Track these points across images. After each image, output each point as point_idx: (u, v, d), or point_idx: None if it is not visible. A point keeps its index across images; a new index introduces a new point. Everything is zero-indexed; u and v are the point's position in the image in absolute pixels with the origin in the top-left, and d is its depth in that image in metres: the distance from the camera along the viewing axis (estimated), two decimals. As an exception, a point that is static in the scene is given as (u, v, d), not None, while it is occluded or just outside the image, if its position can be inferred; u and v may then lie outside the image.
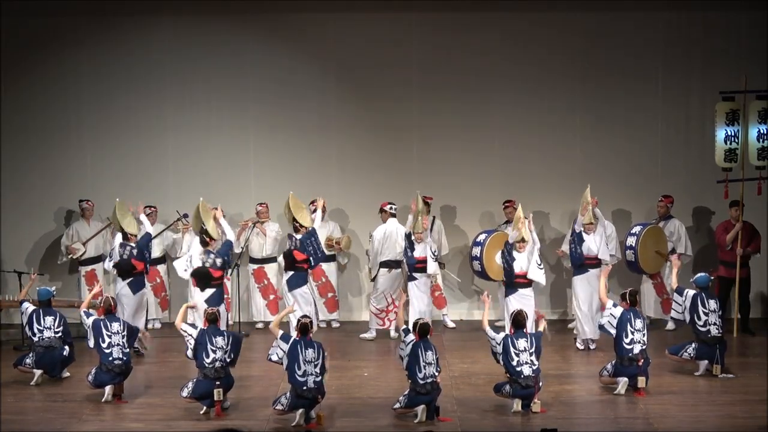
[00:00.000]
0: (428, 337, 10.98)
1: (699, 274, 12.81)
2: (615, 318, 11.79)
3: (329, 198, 15.26)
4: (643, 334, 11.74)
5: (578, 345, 13.71)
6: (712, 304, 12.50)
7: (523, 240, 13.12)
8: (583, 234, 13.63)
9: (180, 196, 15.25)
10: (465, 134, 15.61)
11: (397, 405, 10.92)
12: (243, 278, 15.10)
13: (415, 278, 14.10)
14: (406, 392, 10.87)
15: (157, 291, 15.13)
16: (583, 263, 13.62)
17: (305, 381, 10.65)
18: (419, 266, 14.07)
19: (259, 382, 12.31)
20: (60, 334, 12.44)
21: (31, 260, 15.37)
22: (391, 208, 14.64)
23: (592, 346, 13.53)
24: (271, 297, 15.16)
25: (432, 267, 14.10)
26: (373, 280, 14.72)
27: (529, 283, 13.10)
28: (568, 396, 11.78)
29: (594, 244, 13.59)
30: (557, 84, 15.55)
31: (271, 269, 15.22)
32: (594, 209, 13.65)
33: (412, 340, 10.90)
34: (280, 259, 14.35)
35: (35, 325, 12.39)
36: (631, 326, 11.72)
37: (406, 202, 14.39)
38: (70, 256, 15.02)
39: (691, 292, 12.55)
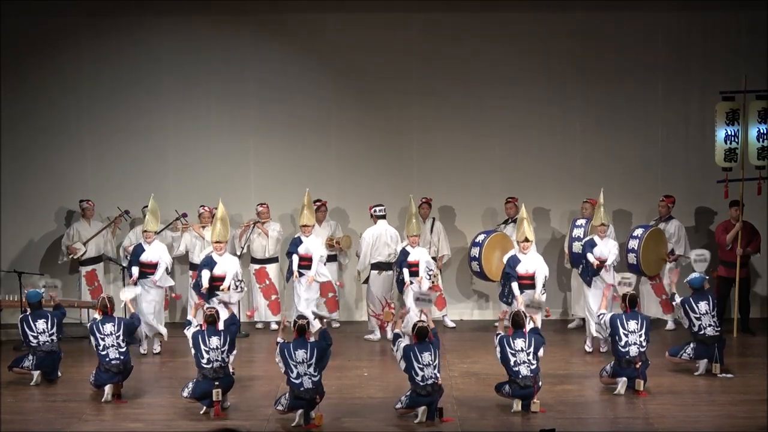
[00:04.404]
0: (426, 339, 10.94)
1: (693, 275, 12.83)
2: (606, 324, 11.83)
3: (329, 198, 15.28)
4: (640, 336, 11.71)
5: (587, 348, 13.64)
6: (703, 306, 12.47)
7: (526, 240, 13.17)
8: (595, 238, 13.58)
9: (180, 196, 15.26)
10: (465, 135, 15.61)
11: (399, 405, 10.92)
12: (244, 278, 15.06)
13: (411, 282, 13.89)
14: (408, 392, 10.87)
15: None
16: (592, 270, 13.52)
17: (300, 382, 10.65)
18: (413, 270, 13.90)
19: (259, 382, 12.31)
20: (54, 335, 12.43)
21: (31, 260, 15.37)
22: (376, 211, 14.61)
23: (603, 348, 13.43)
24: (273, 297, 15.16)
25: (425, 284, 13.89)
26: (365, 282, 14.72)
27: (532, 285, 13.13)
28: (568, 396, 11.77)
29: (606, 248, 13.53)
30: (558, 85, 15.53)
31: (272, 269, 15.21)
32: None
33: (406, 344, 10.89)
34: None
35: (29, 332, 12.37)
36: (624, 329, 11.70)
37: (405, 202, 14.36)
38: (70, 256, 15.02)
39: (679, 300, 12.59)
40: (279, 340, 10.95)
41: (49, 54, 15.44)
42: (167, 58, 15.50)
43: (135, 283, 13.60)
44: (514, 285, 13.13)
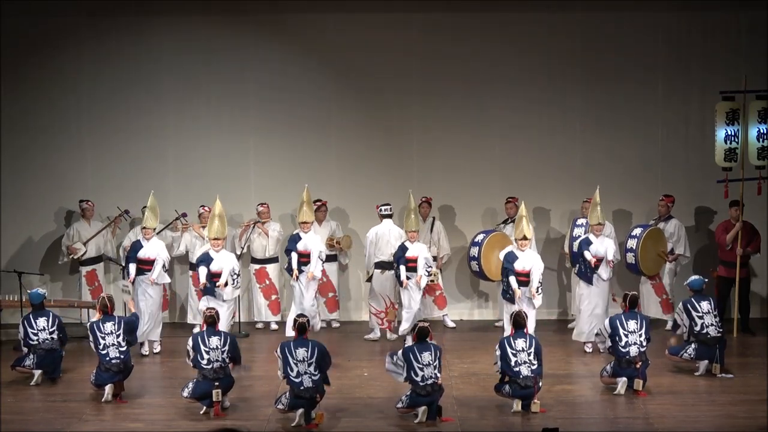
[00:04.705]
0: (427, 339, 10.94)
1: (693, 277, 12.81)
2: (606, 326, 11.84)
3: (329, 198, 15.28)
4: (640, 335, 11.71)
5: (587, 348, 13.62)
6: (705, 305, 12.48)
7: (525, 237, 13.21)
8: (591, 237, 13.58)
9: (180, 196, 15.26)
10: (465, 135, 15.61)
11: (400, 404, 10.91)
12: (244, 278, 15.08)
13: (408, 278, 13.98)
14: (408, 392, 10.87)
15: (157, 291, 15.12)
16: (590, 268, 13.51)
17: (300, 381, 10.65)
18: (411, 265, 13.97)
19: (259, 381, 12.31)
20: (55, 334, 12.42)
21: (31, 260, 15.35)
22: (382, 210, 14.62)
23: (602, 349, 13.41)
24: (273, 297, 15.16)
25: (424, 281, 14.02)
26: (369, 281, 14.74)
27: (527, 282, 13.15)
28: (569, 396, 11.77)
29: (602, 246, 13.51)
30: (558, 85, 15.52)
31: (272, 269, 15.21)
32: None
33: (405, 346, 10.89)
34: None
35: (29, 330, 12.38)
36: (624, 329, 11.70)
37: (405, 201, 14.35)
38: (71, 256, 15.02)
39: (680, 305, 12.59)
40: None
41: (49, 54, 15.44)
42: (167, 58, 15.50)
43: (133, 282, 13.60)
44: (512, 279, 13.14)
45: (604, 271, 13.42)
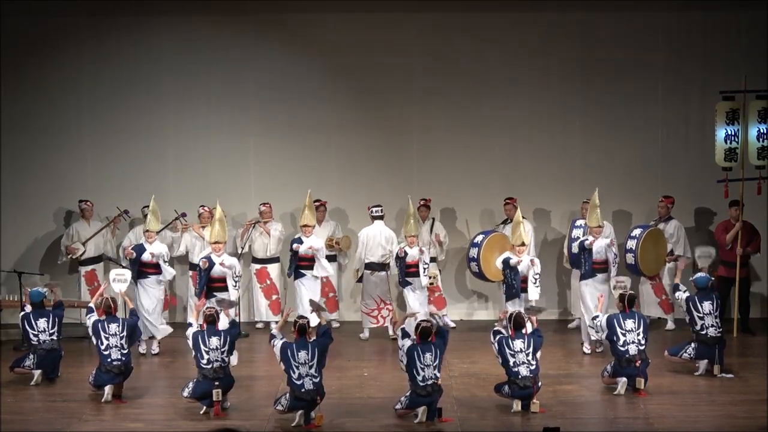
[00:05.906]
0: (429, 339, 10.94)
1: (699, 275, 12.80)
2: (603, 326, 11.82)
3: (329, 198, 15.28)
4: (638, 334, 11.70)
5: (585, 349, 13.60)
6: (707, 306, 12.45)
7: (523, 243, 13.19)
8: (590, 239, 13.52)
9: (180, 196, 15.26)
10: (465, 135, 15.61)
11: (399, 406, 10.90)
12: (245, 278, 15.07)
13: (409, 282, 14.06)
14: (408, 393, 10.86)
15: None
16: (591, 269, 13.49)
17: (302, 383, 10.64)
18: (411, 270, 14.03)
19: (259, 382, 12.31)
20: (55, 335, 12.42)
21: (31, 260, 15.37)
22: (373, 211, 14.64)
23: (599, 349, 13.41)
24: (274, 297, 15.16)
25: (425, 281, 14.08)
26: (359, 281, 14.76)
27: (527, 288, 13.14)
28: (568, 396, 11.76)
29: (601, 247, 13.48)
30: (558, 85, 15.53)
31: (273, 269, 15.21)
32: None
33: (409, 344, 10.87)
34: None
35: (29, 330, 12.38)
36: (621, 328, 11.69)
37: (405, 203, 14.34)
38: (70, 256, 15.02)
39: (684, 296, 12.55)
40: (273, 331, 11.00)
41: (49, 54, 15.45)
42: (167, 58, 15.50)
43: (135, 281, 13.59)
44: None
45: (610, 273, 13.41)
